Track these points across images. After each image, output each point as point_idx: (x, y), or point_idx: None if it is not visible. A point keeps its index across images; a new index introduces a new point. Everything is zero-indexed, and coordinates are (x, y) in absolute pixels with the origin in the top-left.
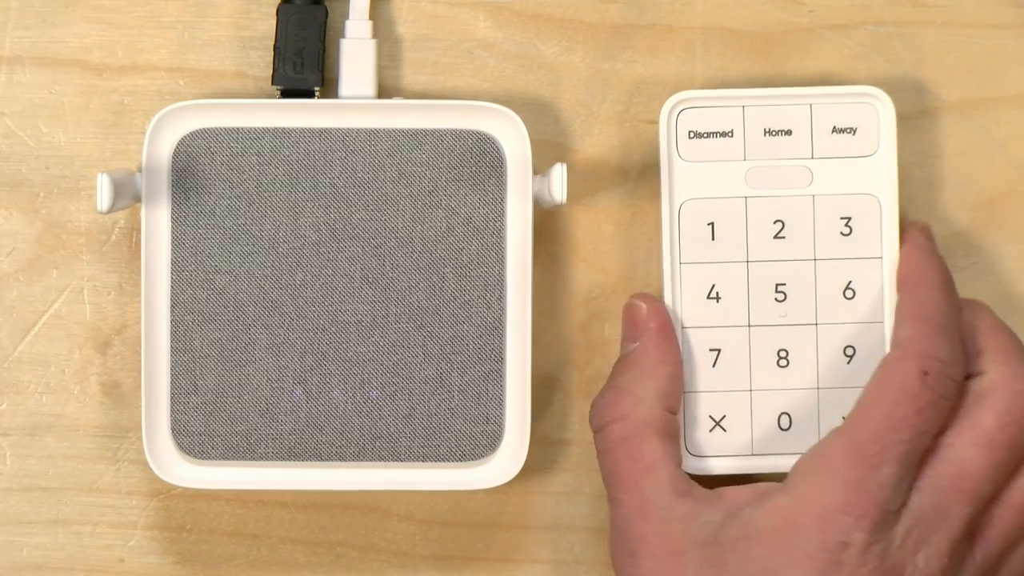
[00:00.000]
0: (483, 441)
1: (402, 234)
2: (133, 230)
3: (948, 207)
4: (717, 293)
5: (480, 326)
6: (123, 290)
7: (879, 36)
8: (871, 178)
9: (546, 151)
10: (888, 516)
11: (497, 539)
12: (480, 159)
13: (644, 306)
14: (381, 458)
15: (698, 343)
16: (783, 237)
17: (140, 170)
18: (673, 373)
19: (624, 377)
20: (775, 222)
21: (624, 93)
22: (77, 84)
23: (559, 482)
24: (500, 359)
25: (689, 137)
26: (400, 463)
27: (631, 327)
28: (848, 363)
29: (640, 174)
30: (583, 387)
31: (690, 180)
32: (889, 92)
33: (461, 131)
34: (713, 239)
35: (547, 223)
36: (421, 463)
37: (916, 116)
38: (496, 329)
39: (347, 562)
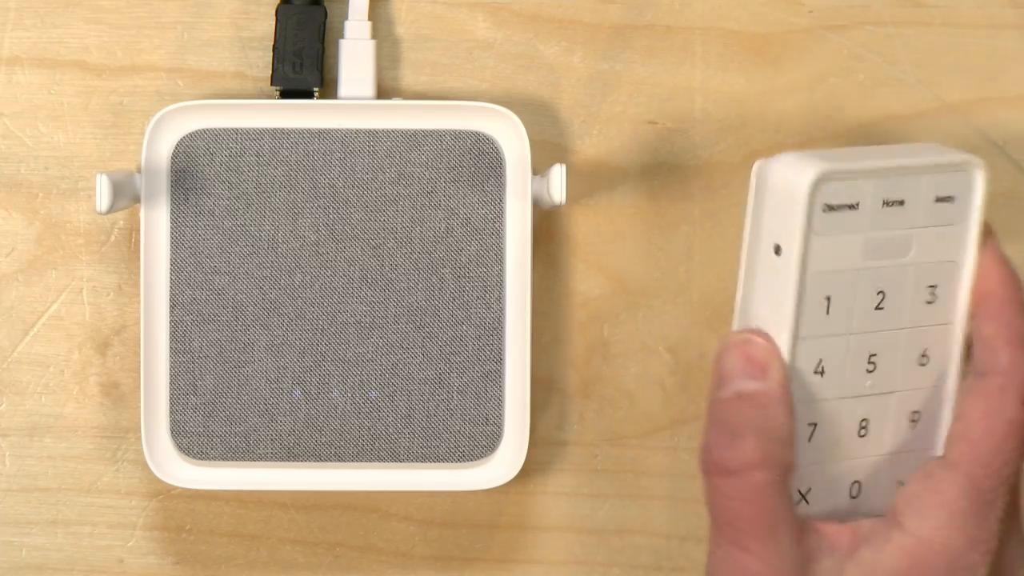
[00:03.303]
0: (482, 441)
1: (401, 235)
2: (132, 231)
3: None
4: (823, 367)
5: (479, 326)
6: (122, 291)
7: (878, 36)
8: (958, 244)
9: (545, 151)
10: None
11: (496, 540)
12: (479, 160)
13: (763, 343)
14: (380, 459)
15: (799, 418)
16: (882, 308)
17: (139, 171)
18: (793, 420)
19: (757, 419)
20: (878, 293)
21: (623, 93)
22: (76, 85)
23: (558, 482)
24: (499, 359)
25: (823, 211)
26: (399, 463)
27: (749, 364)
28: (912, 427)
29: (639, 175)
30: (582, 388)
31: (820, 254)
32: (889, 93)
33: (460, 132)
34: (828, 313)
35: (546, 224)
36: (420, 463)
37: (916, 116)
38: (495, 329)
39: (346, 563)
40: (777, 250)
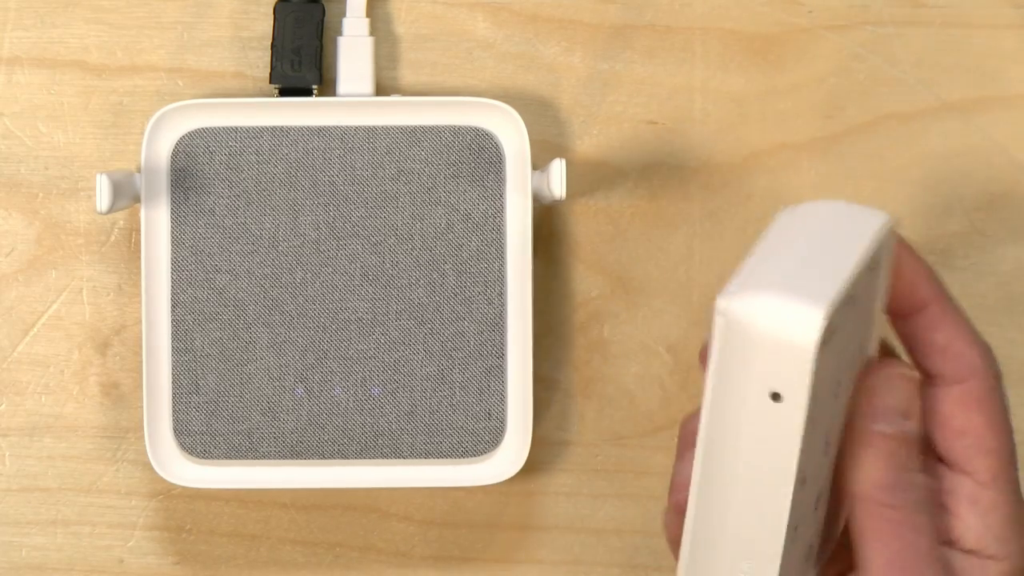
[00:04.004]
0: (485, 437)
1: (402, 231)
2: (132, 230)
3: (948, 207)
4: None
5: (481, 322)
6: (122, 291)
7: (878, 36)
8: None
9: (545, 151)
10: None
11: (496, 539)
12: (479, 155)
13: (917, 378)
14: (383, 455)
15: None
16: (837, 394)
17: (139, 170)
18: None
19: (912, 459)
20: (837, 383)
21: (623, 93)
22: (76, 84)
23: (559, 482)
24: (501, 355)
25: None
26: (403, 460)
27: (910, 402)
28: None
29: (639, 174)
30: (582, 388)
31: (818, 393)
32: (889, 93)
33: (459, 127)
34: (826, 444)
35: (546, 223)
36: (424, 460)
37: (916, 116)
38: (497, 325)
39: (346, 563)
40: (775, 397)
